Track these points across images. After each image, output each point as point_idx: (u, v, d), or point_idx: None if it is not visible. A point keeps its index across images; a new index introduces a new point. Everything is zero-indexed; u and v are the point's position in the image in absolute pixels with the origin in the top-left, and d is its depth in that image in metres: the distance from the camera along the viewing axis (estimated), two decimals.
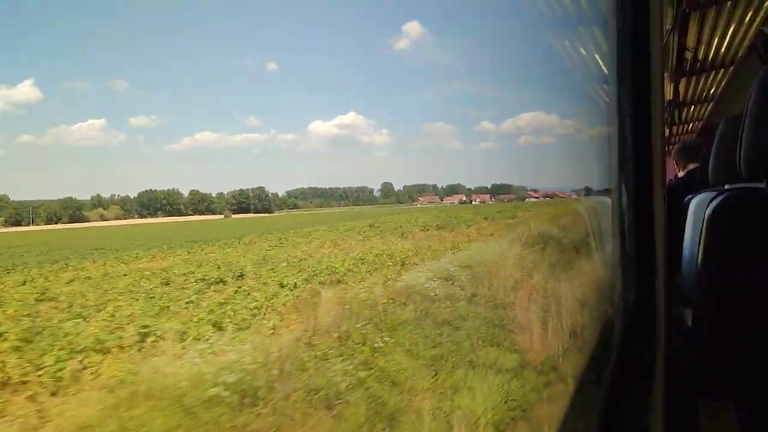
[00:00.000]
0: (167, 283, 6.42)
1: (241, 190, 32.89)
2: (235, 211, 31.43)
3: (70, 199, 23.42)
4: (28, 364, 3.09)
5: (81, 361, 3.22)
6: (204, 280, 6.50)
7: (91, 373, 3.10)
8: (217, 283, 6.34)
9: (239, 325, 4.22)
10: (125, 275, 7.34)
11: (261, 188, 34.25)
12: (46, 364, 3.10)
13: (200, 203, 30.25)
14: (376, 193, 41.94)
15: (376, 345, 3.51)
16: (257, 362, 2.96)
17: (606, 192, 1.33)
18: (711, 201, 1.11)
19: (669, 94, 6.12)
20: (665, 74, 3.96)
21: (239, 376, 2.67)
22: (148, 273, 7.40)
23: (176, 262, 9.03)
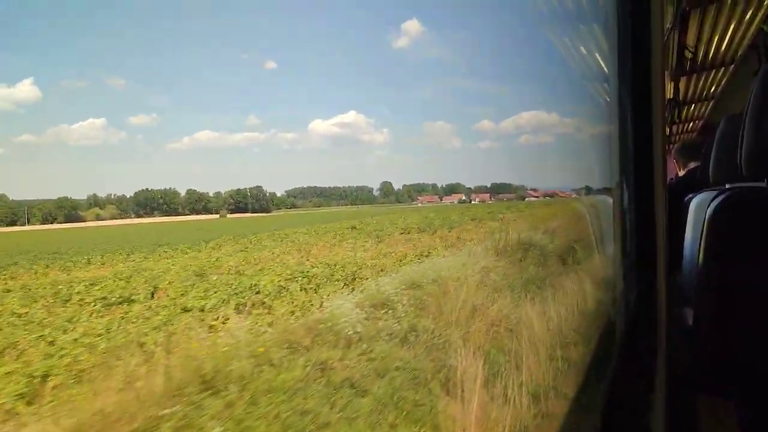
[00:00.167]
0: (67, 300, 5.45)
1: (239, 189, 32.80)
2: (232, 211, 31.31)
3: (65, 198, 23.35)
4: None
5: None
6: (105, 299, 5.46)
7: None
8: (120, 303, 5.33)
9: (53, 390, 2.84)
10: (25, 289, 6.34)
11: (258, 187, 34.15)
12: None
13: (197, 203, 30.17)
14: (376, 192, 41.95)
15: None
16: None
17: (606, 191, 1.33)
18: (712, 200, 1.11)
19: (669, 92, 6.12)
20: (665, 73, 3.95)
21: None
22: (62, 285, 6.34)
23: (117, 270, 8.14)
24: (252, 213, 31.99)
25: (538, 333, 2.90)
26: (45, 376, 2.96)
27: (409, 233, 12.48)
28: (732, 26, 4.40)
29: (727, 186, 1.46)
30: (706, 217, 1.09)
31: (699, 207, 1.34)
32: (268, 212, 33.05)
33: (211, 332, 4.01)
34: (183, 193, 29.59)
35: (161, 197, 28.29)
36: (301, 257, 9.02)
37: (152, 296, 5.75)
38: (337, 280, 6.12)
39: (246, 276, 6.84)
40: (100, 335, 3.99)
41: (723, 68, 5.78)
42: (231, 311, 4.69)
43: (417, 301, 4.27)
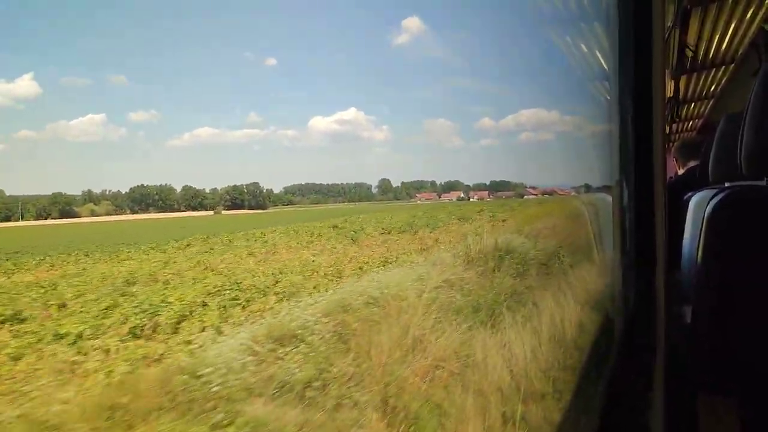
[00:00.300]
0: None
1: (235, 185, 32.67)
2: (229, 207, 31.19)
3: (59, 194, 23.26)
4: None
5: None
6: None
7: None
8: (6, 321, 4.37)
9: None
10: None
11: (255, 184, 33.97)
12: None
13: (193, 199, 30.03)
14: (374, 190, 41.95)
15: None
16: None
17: (606, 189, 1.33)
18: (711, 199, 1.11)
19: (669, 91, 6.12)
20: (666, 71, 3.95)
21: None
22: None
23: (48, 276, 7.14)
24: (248, 210, 31.90)
25: (494, 375, 2.20)
26: None
27: (389, 233, 11.76)
28: (733, 25, 4.40)
29: (726, 185, 1.46)
30: (706, 215, 1.09)
31: (698, 205, 1.34)
32: (264, 209, 32.95)
33: (48, 378, 2.89)
34: (179, 189, 29.56)
35: (157, 193, 28.21)
36: (259, 261, 8.20)
37: (62, 308, 4.83)
38: (276, 293, 5.21)
39: (170, 288, 5.90)
40: None
41: (723, 67, 5.78)
42: (99, 342, 3.62)
43: (340, 332, 3.12)
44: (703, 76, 6.21)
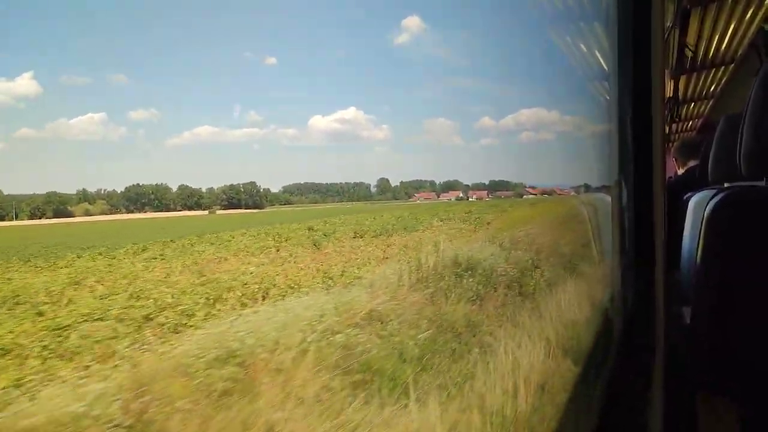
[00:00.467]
0: None
1: (232, 185, 32.34)
2: (225, 207, 30.85)
3: (54, 193, 22.96)
4: None
5: None
6: None
7: None
8: None
9: None
10: None
11: (252, 183, 33.73)
12: None
13: (189, 198, 29.61)
14: (373, 189, 41.84)
15: None
16: None
17: (605, 189, 1.33)
18: (710, 199, 1.11)
19: (669, 91, 6.12)
20: (665, 71, 3.95)
21: None
22: None
23: None
24: (245, 209, 31.59)
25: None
26: None
27: (362, 237, 10.78)
28: (732, 25, 4.40)
29: (726, 185, 1.46)
30: (705, 215, 1.09)
31: (698, 205, 1.35)
32: (261, 208, 32.67)
33: None
34: (174, 188, 29.20)
35: (152, 193, 27.82)
36: (195, 272, 6.96)
37: None
38: (160, 325, 3.83)
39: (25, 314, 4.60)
40: None
41: (723, 67, 5.78)
42: None
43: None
44: (703, 76, 6.21)
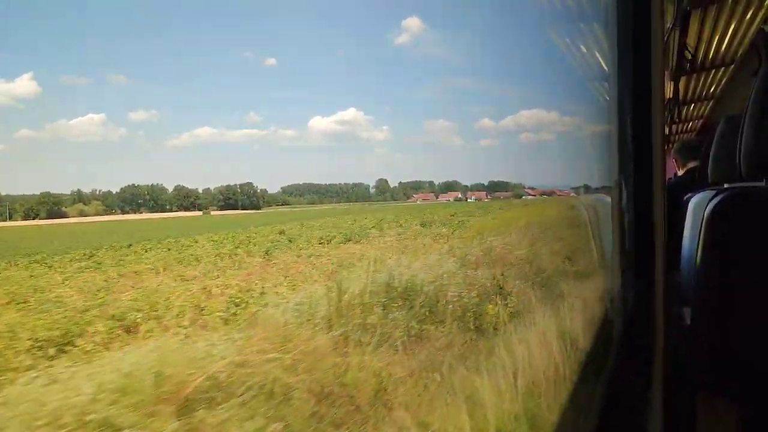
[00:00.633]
0: None
1: (228, 185, 32.40)
2: (222, 207, 30.91)
3: (47, 193, 23.00)
4: None
5: None
6: None
7: None
8: None
9: None
10: None
11: (249, 184, 33.72)
12: None
13: (185, 199, 29.66)
14: (372, 190, 41.87)
15: None
16: None
17: (605, 190, 1.33)
18: (710, 200, 1.11)
19: (669, 92, 6.12)
20: (665, 72, 3.95)
21: None
22: None
23: None
24: (242, 210, 31.62)
25: None
26: None
27: (327, 244, 9.80)
28: (732, 26, 4.40)
29: (725, 186, 1.46)
30: (705, 216, 1.10)
31: (698, 206, 1.35)
32: (258, 209, 32.72)
33: None
34: (170, 189, 29.13)
35: (148, 193, 27.86)
36: (101, 288, 5.63)
37: None
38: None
39: None
40: None
41: (723, 68, 5.78)
42: None
43: None
44: (703, 78, 6.21)
